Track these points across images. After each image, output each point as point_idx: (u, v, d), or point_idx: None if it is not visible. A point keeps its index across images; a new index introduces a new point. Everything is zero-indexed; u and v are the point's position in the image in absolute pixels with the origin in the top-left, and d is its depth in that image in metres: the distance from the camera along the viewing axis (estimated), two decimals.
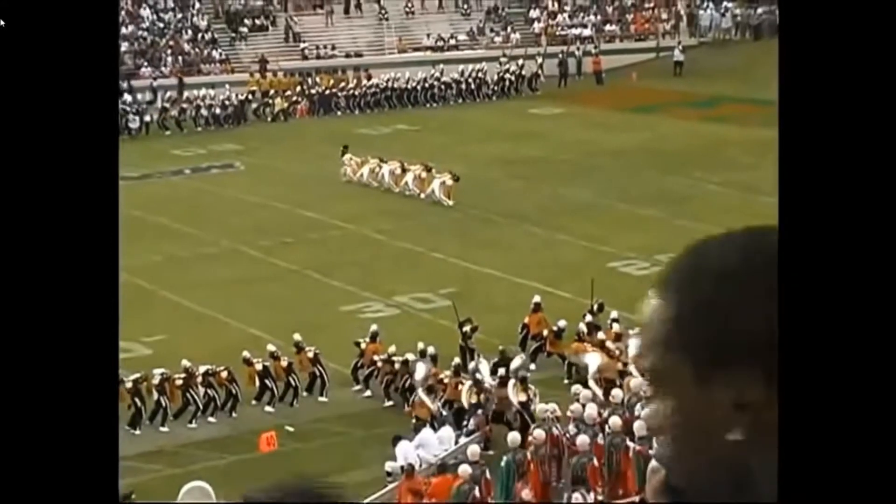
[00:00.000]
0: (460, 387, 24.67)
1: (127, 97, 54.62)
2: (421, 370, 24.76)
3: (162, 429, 25.95)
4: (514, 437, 21.85)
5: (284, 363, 26.34)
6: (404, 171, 41.04)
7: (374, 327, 27.73)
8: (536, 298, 28.16)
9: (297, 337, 26.86)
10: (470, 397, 24.00)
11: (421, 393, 24.27)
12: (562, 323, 27.18)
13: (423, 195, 40.02)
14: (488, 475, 21.05)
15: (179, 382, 26.04)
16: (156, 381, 25.90)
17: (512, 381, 24.07)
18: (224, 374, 26.11)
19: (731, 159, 42.98)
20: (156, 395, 25.97)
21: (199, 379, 26.18)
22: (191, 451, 24.96)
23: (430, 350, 25.95)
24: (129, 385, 25.74)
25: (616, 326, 26.41)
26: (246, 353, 26.52)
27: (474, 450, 21.52)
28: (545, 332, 27.27)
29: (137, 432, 25.76)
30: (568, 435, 21.70)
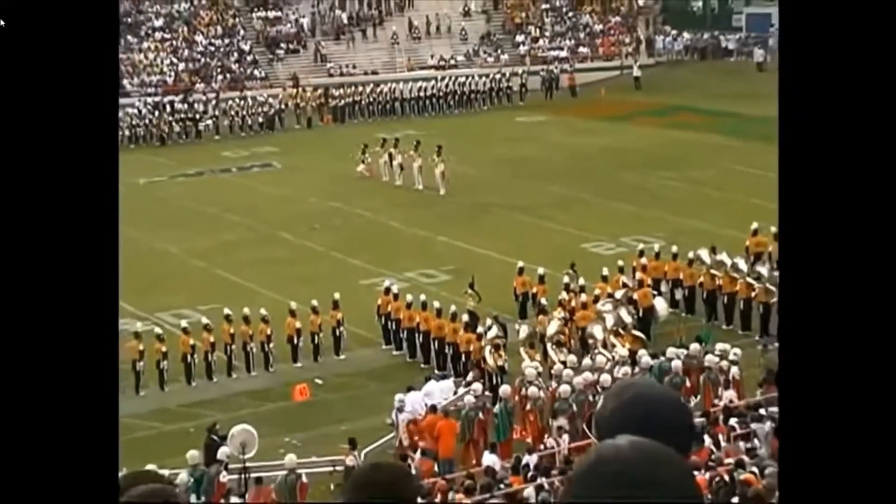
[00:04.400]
0: (471, 343, 24.58)
1: (185, 107, 54.41)
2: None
3: (212, 381, 25.88)
4: (504, 389, 21.78)
5: (319, 320, 26.25)
6: (409, 162, 40.84)
7: (386, 283, 27.77)
8: (520, 264, 28.12)
9: (315, 303, 26.66)
10: (496, 360, 23.81)
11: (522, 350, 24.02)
12: (541, 270, 27.48)
13: (420, 186, 39.96)
14: (488, 405, 21.47)
15: (227, 342, 25.95)
16: (210, 341, 25.82)
17: (522, 350, 23.91)
18: (264, 336, 26.00)
19: (685, 159, 42.81)
20: (207, 354, 25.88)
21: (244, 339, 26.08)
22: (237, 400, 24.88)
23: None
24: (187, 345, 25.68)
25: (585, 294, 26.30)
26: (293, 305, 26.49)
27: (469, 399, 21.51)
28: (534, 290, 27.18)
29: (194, 385, 25.71)
30: (551, 387, 21.70)
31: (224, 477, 19.45)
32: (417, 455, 20.15)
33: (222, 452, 19.80)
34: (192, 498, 19.02)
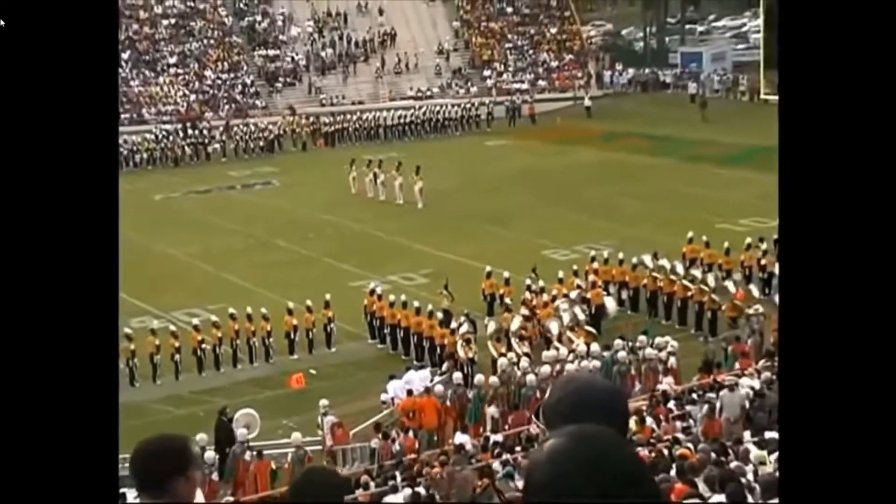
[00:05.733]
0: (445, 337, 24.43)
1: (196, 133, 54.17)
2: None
3: (220, 371, 25.71)
4: (479, 378, 21.73)
5: (313, 318, 26.09)
6: (391, 180, 40.70)
7: (371, 285, 27.57)
8: (488, 268, 28.05)
9: (309, 303, 26.52)
10: (466, 352, 23.70)
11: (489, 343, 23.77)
12: (506, 274, 27.34)
13: (401, 200, 39.67)
14: (465, 392, 21.35)
15: (232, 337, 25.77)
16: (218, 336, 25.64)
17: (490, 343, 23.82)
18: (264, 331, 25.84)
19: (630, 177, 42.89)
20: (215, 348, 25.70)
21: (247, 335, 25.91)
22: (240, 388, 24.71)
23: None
24: (197, 340, 25.50)
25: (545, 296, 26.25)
26: (290, 304, 26.29)
27: (439, 389, 21.44)
28: (501, 291, 27.02)
29: (203, 375, 25.54)
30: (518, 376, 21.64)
31: (248, 455, 19.40)
32: (401, 434, 20.08)
33: (241, 434, 19.77)
34: (215, 476, 18.98)
